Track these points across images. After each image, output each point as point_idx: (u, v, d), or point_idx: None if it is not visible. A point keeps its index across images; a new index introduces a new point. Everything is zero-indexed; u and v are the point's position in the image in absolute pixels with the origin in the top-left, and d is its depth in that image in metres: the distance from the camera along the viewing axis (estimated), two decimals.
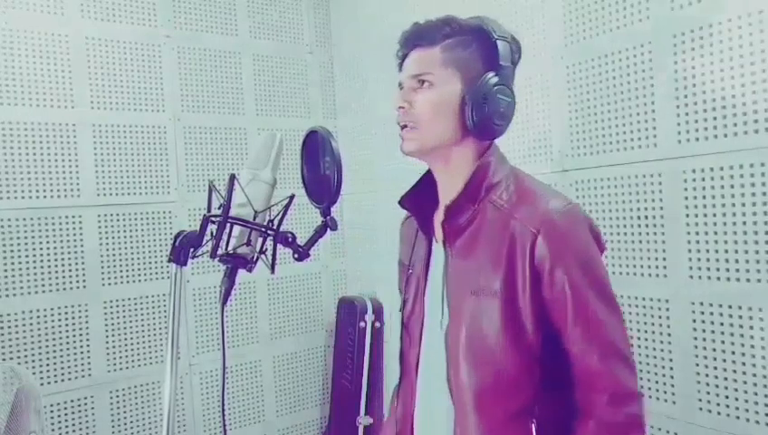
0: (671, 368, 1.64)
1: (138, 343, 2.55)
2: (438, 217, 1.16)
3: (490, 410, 1.05)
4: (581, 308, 1.00)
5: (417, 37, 1.12)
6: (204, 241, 1.07)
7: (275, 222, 1.08)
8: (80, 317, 2.43)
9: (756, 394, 1.46)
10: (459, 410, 1.08)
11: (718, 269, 1.53)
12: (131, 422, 2.53)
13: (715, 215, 1.53)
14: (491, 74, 1.07)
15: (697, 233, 1.57)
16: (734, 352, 1.50)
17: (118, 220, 2.52)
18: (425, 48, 1.11)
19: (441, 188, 1.17)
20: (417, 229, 1.22)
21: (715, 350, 1.54)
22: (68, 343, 2.40)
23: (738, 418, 1.50)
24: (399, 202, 1.19)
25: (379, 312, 2.85)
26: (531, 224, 1.01)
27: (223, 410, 1.03)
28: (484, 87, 1.06)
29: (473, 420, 1.06)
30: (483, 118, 1.06)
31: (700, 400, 1.57)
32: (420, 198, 1.19)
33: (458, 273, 1.09)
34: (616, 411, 0.99)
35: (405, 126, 1.11)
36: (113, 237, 2.51)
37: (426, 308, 1.18)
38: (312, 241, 1.11)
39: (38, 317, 2.34)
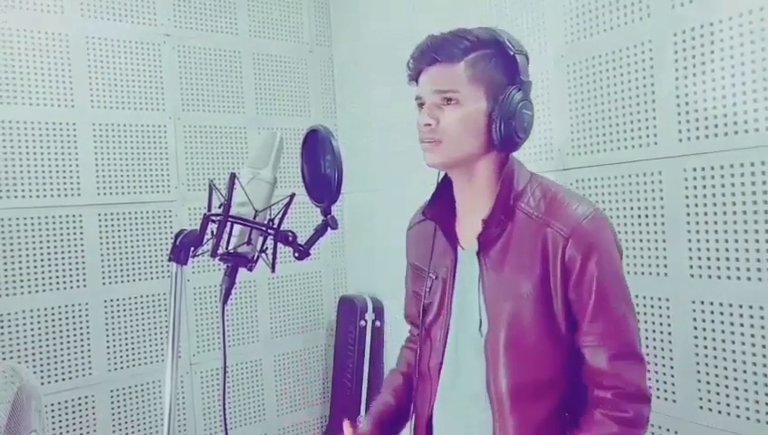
0: (672, 367, 1.64)
1: (138, 343, 2.55)
2: (462, 224, 1.19)
3: (530, 411, 1.08)
4: (602, 304, 1.05)
5: (435, 51, 1.10)
6: (204, 240, 1.07)
7: (276, 221, 1.08)
8: (80, 316, 2.43)
9: (757, 393, 1.46)
10: (500, 416, 1.10)
11: (719, 268, 1.53)
12: (132, 422, 2.53)
13: (715, 213, 1.53)
14: (514, 90, 1.09)
15: (698, 231, 1.57)
16: (734, 351, 1.50)
17: (118, 219, 2.52)
18: (447, 64, 1.10)
19: (462, 197, 1.19)
20: (433, 235, 1.23)
21: (715, 348, 1.54)
22: (68, 342, 2.40)
23: (739, 416, 1.50)
24: (424, 214, 1.22)
25: (379, 311, 2.85)
26: (562, 230, 1.06)
27: (224, 409, 1.03)
28: (510, 104, 1.08)
29: (513, 425, 1.08)
30: (509, 134, 1.09)
31: (701, 398, 1.57)
32: (440, 207, 1.21)
33: (494, 281, 1.11)
34: (623, 406, 1.04)
35: (428, 141, 1.11)
36: (113, 236, 2.51)
37: (452, 316, 1.18)
38: (313, 240, 1.11)
39: (39, 316, 2.34)
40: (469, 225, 1.16)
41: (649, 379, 1.11)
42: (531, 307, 1.07)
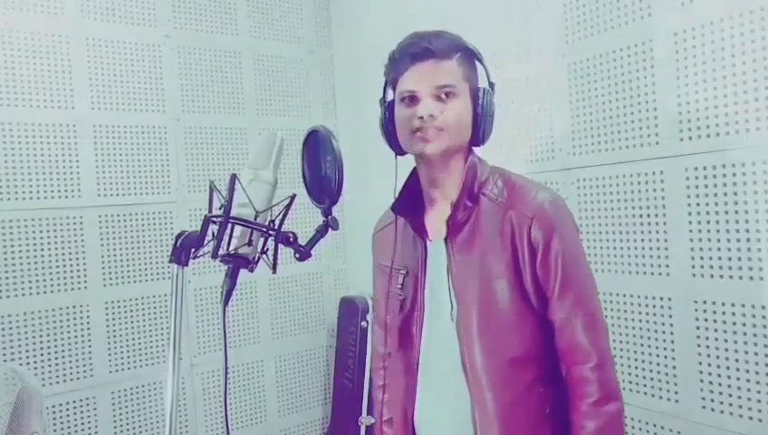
0: (674, 366, 1.64)
1: (139, 344, 2.55)
2: (431, 217, 1.24)
3: (507, 384, 1.13)
4: (568, 277, 1.13)
5: (431, 44, 1.15)
6: (205, 241, 1.06)
7: (277, 222, 1.08)
8: (81, 318, 2.43)
9: (759, 392, 1.46)
10: (476, 392, 1.14)
11: (721, 267, 1.53)
12: (133, 423, 2.53)
13: (717, 212, 1.53)
14: (490, 91, 1.20)
15: (699, 231, 1.57)
16: (736, 351, 1.50)
17: (119, 221, 2.52)
18: (442, 59, 1.16)
19: (435, 188, 1.23)
20: (394, 235, 1.27)
21: (717, 348, 1.54)
22: (69, 343, 2.40)
23: (741, 416, 1.50)
24: (393, 209, 1.26)
25: None
26: (526, 212, 1.14)
27: (225, 410, 1.03)
28: (490, 103, 1.19)
29: (491, 398, 1.13)
30: (489, 132, 1.20)
31: (703, 398, 1.57)
32: (408, 203, 1.27)
33: (462, 265, 1.17)
34: (603, 380, 1.11)
35: (430, 129, 1.15)
36: (114, 238, 2.51)
37: (426, 309, 1.22)
38: (314, 241, 1.11)
39: (39, 318, 2.34)
40: (439, 215, 1.21)
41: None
42: (504, 286, 1.13)
